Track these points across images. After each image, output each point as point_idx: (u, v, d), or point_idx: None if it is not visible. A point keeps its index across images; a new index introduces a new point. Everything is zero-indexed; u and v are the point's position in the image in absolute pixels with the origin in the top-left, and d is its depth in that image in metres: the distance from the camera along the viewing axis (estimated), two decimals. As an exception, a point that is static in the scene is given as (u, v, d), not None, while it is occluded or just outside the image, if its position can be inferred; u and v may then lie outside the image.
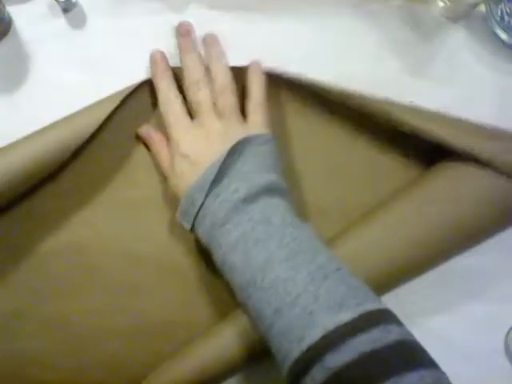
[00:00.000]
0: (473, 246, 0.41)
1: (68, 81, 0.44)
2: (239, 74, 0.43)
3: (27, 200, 0.42)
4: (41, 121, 0.43)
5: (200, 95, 0.40)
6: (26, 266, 0.41)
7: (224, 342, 0.38)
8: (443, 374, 0.30)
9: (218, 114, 0.40)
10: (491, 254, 0.42)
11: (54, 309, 0.41)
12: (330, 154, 0.44)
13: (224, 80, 0.41)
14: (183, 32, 0.43)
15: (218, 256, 0.36)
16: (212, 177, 0.36)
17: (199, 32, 0.46)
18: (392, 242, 0.39)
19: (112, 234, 0.42)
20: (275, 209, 0.36)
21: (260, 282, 0.33)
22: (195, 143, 0.39)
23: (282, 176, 0.39)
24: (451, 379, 0.41)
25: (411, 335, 0.31)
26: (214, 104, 0.40)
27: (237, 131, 0.39)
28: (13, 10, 0.45)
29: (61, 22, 0.45)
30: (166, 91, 0.41)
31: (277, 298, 0.32)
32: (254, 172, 0.37)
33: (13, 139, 0.42)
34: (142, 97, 0.43)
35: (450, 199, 0.39)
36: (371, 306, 0.31)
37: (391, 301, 0.41)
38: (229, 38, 0.46)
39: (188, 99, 0.41)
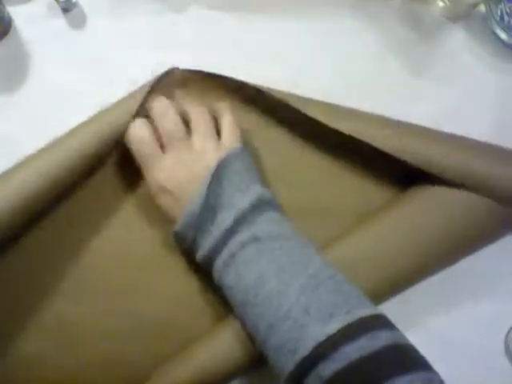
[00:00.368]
0: (462, 258, 0.42)
1: (68, 81, 0.44)
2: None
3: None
4: (41, 120, 0.43)
5: (170, 126, 0.39)
6: (25, 266, 0.41)
7: (226, 344, 0.38)
8: (435, 374, 0.30)
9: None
10: (491, 254, 0.42)
11: (52, 310, 0.41)
12: (323, 157, 0.44)
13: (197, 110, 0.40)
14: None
15: (215, 276, 0.37)
16: (196, 214, 0.36)
17: (199, 32, 0.46)
18: (380, 254, 0.39)
19: (111, 234, 0.42)
20: (262, 225, 0.36)
21: (253, 299, 0.34)
22: (172, 175, 0.38)
23: (263, 182, 0.39)
24: (451, 379, 0.41)
25: (403, 338, 0.32)
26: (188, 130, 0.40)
27: (212, 152, 0.38)
28: (13, 10, 0.45)
29: (61, 22, 0.46)
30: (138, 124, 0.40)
31: (270, 313, 0.33)
32: (235, 195, 0.37)
33: (13, 139, 0.42)
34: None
35: (434, 217, 0.39)
36: (362, 312, 0.32)
37: (392, 301, 0.41)
38: (229, 37, 0.46)
39: (160, 132, 0.40)
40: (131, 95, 0.41)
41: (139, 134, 0.39)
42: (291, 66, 0.46)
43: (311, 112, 0.41)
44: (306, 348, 0.30)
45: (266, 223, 0.36)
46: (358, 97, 0.43)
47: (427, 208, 0.40)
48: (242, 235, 0.36)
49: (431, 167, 0.39)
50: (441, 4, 0.48)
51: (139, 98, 0.40)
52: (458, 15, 0.48)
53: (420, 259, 0.40)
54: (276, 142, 0.45)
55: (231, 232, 0.36)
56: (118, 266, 0.41)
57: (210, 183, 0.37)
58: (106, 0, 0.46)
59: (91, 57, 0.45)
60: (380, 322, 0.32)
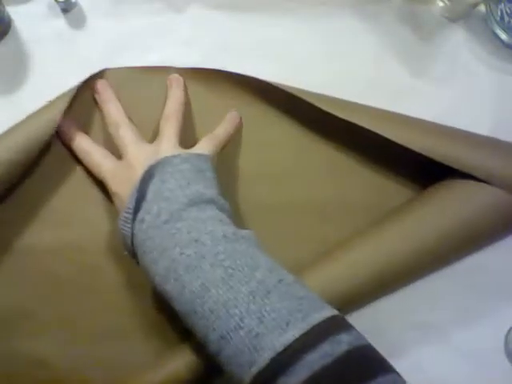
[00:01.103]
0: (473, 252, 0.42)
1: (68, 81, 0.44)
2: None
3: (26, 199, 0.42)
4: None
5: (121, 132, 0.41)
6: (25, 265, 0.41)
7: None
8: (398, 376, 0.30)
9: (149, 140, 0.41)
10: (492, 252, 0.42)
11: (53, 308, 0.41)
12: (330, 152, 0.45)
13: (172, 107, 0.42)
14: (100, 88, 0.43)
15: (155, 285, 0.35)
16: (132, 205, 0.36)
17: (199, 32, 0.46)
18: (394, 250, 0.39)
19: (111, 232, 0.42)
20: (203, 224, 0.34)
21: (200, 309, 0.32)
22: (122, 182, 0.39)
23: (214, 188, 0.38)
24: (451, 379, 0.41)
25: (361, 339, 0.31)
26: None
27: (166, 153, 0.38)
28: (13, 10, 0.45)
29: (61, 21, 0.45)
30: (85, 142, 0.42)
31: (220, 324, 0.31)
32: (174, 190, 0.36)
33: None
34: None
35: (451, 215, 0.39)
36: (318, 316, 0.30)
37: (392, 301, 0.41)
38: (229, 37, 0.46)
39: (113, 139, 0.41)
40: (59, 98, 0.41)
41: (84, 148, 0.41)
42: (291, 65, 0.46)
43: (326, 106, 0.41)
44: (263, 359, 0.29)
45: (207, 223, 0.35)
46: (357, 97, 0.43)
47: (451, 203, 0.40)
48: (181, 235, 0.34)
49: (453, 162, 0.39)
50: (441, 4, 0.48)
51: (67, 100, 0.40)
52: (458, 15, 0.48)
53: (440, 253, 0.40)
54: (283, 136, 0.45)
55: (167, 225, 0.34)
56: (120, 265, 0.42)
57: (145, 177, 0.36)
58: (106, 0, 0.46)
59: (91, 57, 0.45)
60: (337, 325, 0.31)
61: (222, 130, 0.43)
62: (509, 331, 0.42)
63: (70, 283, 0.41)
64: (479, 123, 0.45)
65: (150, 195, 0.36)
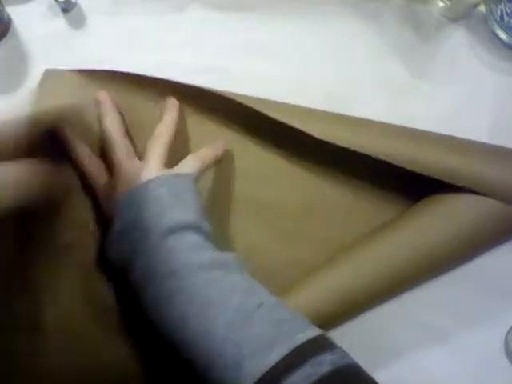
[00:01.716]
0: (474, 258, 0.42)
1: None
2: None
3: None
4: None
5: (114, 149, 0.40)
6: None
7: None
8: None
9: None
10: (492, 252, 0.42)
11: (53, 309, 0.41)
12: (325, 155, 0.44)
13: (163, 126, 0.41)
14: (102, 99, 0.42)
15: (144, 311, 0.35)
16: (112, 237, 0.36)
17: (199, 32, 0.46)
18: (398, 260, 0.39)
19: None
20: (180, 254, 0.34)
21: (182, 340, 0.32)
22: (110, 200, 0.39)
23: (192, 211, 0.37)
24: (451, 379, 0.41)
25: (346, 358, 0.31)
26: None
27: (147, 175, 0.38)
28: (13, 10, 0.45)
29: (61, 22, 0.46)
30: (83, 153, 0.41)
31: (201, 354, 0.31)
32: (149, 220, 0.35)
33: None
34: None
35: (448, 226, 0.39)
36: (301, 337, 0.31)
37: (392, 301, 0.41)
38: (229, 37, 0.46)
39: (107, 154, 0.41)
40: None
41: (79, 158, 0.41)
42: (291, 66, 0.46)
43: (303, 125, 0.40)
44: None
45: (183, 253, 0.34)
46: (357, 97, 0.44)
47: (447, 215, 0.40)
48: (159, 267, 0.34)
49: (440, 174, 0.39)
50: (441, 4, 0.48)
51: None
52: (458, 15, 0.48)
53: (433, 264, 0.40)
54: (279, 138, 0.44)
55: (143, 256, 0.35)
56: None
57: (124, 205, 0.36)
58: (106, 0, 0.46)
59: (91, 57, 0.45)
60: (320, 345, 0.31)
61: (208, 149, 0.42)
62: (509, 331, 0.42)
63: (70, 283, 0.41)
64: (479, 123, 0.45)
65: (128, 225, 0.36)
